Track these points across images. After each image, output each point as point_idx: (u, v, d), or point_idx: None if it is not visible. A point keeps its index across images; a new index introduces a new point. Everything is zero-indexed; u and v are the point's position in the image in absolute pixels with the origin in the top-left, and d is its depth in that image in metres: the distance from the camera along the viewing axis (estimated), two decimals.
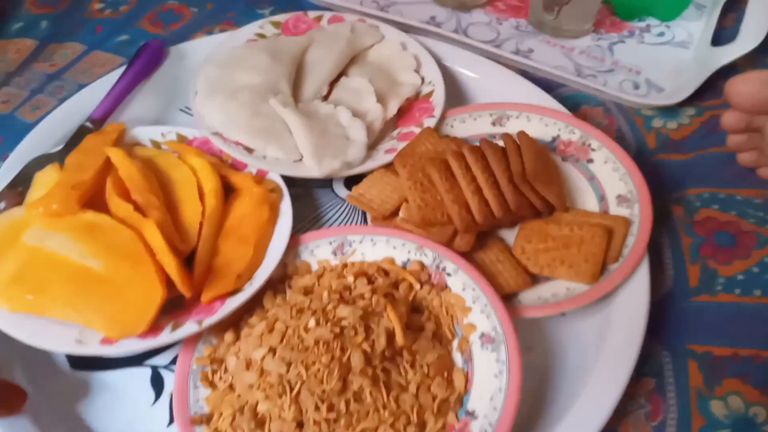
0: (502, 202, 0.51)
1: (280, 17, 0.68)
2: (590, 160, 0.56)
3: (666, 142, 0.62)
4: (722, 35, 0.71)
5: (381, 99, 0.61)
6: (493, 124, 0.60)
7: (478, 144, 0.54)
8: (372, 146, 0.59)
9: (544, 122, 0.58)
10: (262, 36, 0.67)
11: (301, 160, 0.56)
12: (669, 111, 0.64)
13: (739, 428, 0.44)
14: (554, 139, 0.58)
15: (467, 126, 0.60)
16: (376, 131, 0.60)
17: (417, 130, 0.59)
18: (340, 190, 0.59)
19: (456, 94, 0.65)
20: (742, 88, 0.50)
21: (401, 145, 0.58)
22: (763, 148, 0.53)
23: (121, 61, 0.73)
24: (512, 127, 0.59)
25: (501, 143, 0.54)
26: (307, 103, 0.61)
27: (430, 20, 0.73)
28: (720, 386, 0.46)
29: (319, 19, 0.69)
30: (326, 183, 0.60)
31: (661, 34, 0.73)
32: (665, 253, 0.54)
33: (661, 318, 0.50)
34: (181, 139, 0.59)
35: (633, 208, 0.52)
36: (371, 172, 0.56)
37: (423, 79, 0.63)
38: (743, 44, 0.66)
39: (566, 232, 0.50)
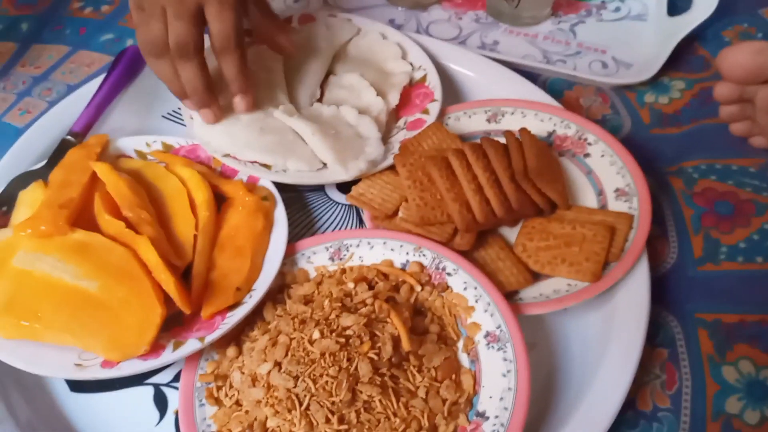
0: (503, 200, 0.50)
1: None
2: (587, 155, 0.56)
3: (660, 117, 0.63)
4: (676, 4, 0.71)
5: (377, 91, 0.60)
6: (488, 121, 0.59)
7: (477, 141, 0.53)
8: (383, 140, 0.57)
9: (540, 117, 0.58)
10: None
11: (323, 167, 0.55)
12: (659, 86, 0.65)
13: (751, 392, 0.45)
14: (550, 134, 0.57)
15: (462, 123, 0.59)
16: (383, 124, 0.59)
17: (424, 117, 0.58)
18: (333, 193, 0.58)
19: (447, 92, 0.64)
20: (733, 59, 0.50)
21: (413, 134, 0.57)
22: (755, 117, 0.54)
23: (108, 60, 0.71)
24: (507, 123, 0.58)
25: (502, 140, 0.54)
26: (307, 109, 0.60)
27: (389, 23, 0.71)
28: (731, 352, 0.47)
29: (289, 20, 0.67)
30: (318, 187, 0.59)
31: (617, 9, 0.73)
32: (669, 225, 0.55)
33: (670, 289, 0.51)
34: (167, 148, 0.58)
35: (632, 201, 0.52)
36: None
37: (412, 66, 0.63)
38: (698, 12, 0.66)
39: (568, 230, 0.50)
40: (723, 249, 0.53)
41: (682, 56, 0.66)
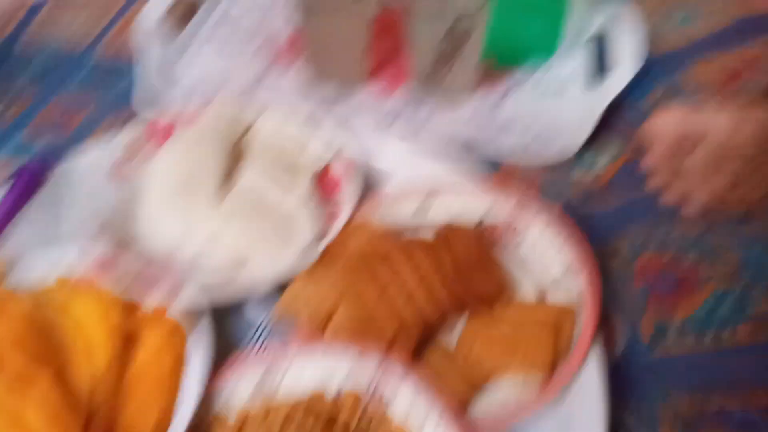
0: (438, 303, 0.47)
1: (135, 131, 0.62)
2: (522, 238, 0.53)
3: (590, 192, 0.61)
4: (598, 70, 0.70)
5: (285, 184, 0.57)
6: (417, 210, 0.56)
7: (409, 238, 0.51)
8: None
9: (469, 203, 0.55)
10: (122, 158, 0.60)
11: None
12: (586, 160, 0.63)
13: None
14: (481, 221, 0.55)
15: (390, 215, 0.56)
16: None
17: (342, 204, 0.56)
18: (254, 311, 0.53)
19: (371, 182, 0.61)
20: (659, 127, 0.49)
21: (334, 223, 0.54)
22: (685, 184, 0.53)
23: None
24: (437, 211, 0.55)
25: (432, 232, 0.51)
26: (230, 197, 0.56)
27: (313, 111, 0.67)
28: None
29: (176, 120, 0.63)
30: (237, 306, 0.53)
31: (538, 84, 0.71)
32: (614, 309, 0.52)
33: (625, 381, 0.48)
34: (69, 274, 0.52)
35: (573, 289, 0.49)
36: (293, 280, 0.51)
37: (322, 147, 0.60)
38: (617, 82, 0.66)
39: (511, 331, 0.46)
40: (672, 329, 0.50)
41: (605, 128, 0.65)
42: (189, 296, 0.49)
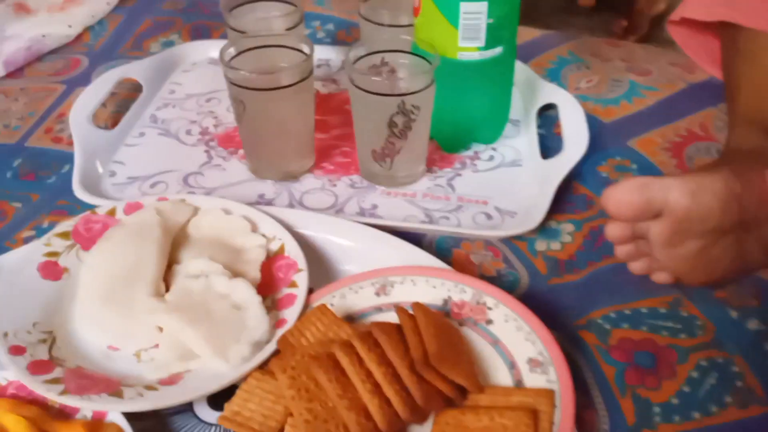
0: (406, 398, 0.43)
1: (68, 224, 0.57)
2: (489, 321, 0.50)
3: (556, 265, 0.59)
4: (548, 146, 0.71)
5: (233, 272, 0.53)
6: (377, 294, 0.53)
7: (372, 323, 0.47)
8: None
9: (432, 284, 0.52)
10: (54, 254, 0.55)
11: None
12: (549, 232, 0.62)
13: None
14: (445, 302, 0.52)
15: (349, 301, 0.53)
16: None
17: (293, 291, 0.52)
18: (204, 412, 0.48)
19: (327, 267, 0.58)
20: (618, 198, 0.48)
21: (286, 313, 0.51)
22: (652, 253, 0.52)
23: None
24: (398, 294, 0.52)
25: (394, 316, 0.48)
26: (174, 291, 0.52)
27: (259, 198, 0.66)
28: None
29: (112, 213, 0.59)
30: (185, 406, 0.48)
31: (491, 158, 0.70)
32: (593, 390, 0.49)
33: None
34: None
35: (548, 371, 0.46)
36: (243, 381, 0.47)
37: (266, 237, 0.57)
38: (572, 152, 0.66)
39: (486, 423, 0.42)
40: (656, 410, 0.47)
41: (564, 198, 0.64)
42: (131, 399, 0.44)
